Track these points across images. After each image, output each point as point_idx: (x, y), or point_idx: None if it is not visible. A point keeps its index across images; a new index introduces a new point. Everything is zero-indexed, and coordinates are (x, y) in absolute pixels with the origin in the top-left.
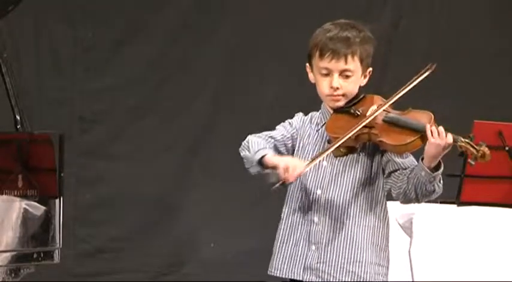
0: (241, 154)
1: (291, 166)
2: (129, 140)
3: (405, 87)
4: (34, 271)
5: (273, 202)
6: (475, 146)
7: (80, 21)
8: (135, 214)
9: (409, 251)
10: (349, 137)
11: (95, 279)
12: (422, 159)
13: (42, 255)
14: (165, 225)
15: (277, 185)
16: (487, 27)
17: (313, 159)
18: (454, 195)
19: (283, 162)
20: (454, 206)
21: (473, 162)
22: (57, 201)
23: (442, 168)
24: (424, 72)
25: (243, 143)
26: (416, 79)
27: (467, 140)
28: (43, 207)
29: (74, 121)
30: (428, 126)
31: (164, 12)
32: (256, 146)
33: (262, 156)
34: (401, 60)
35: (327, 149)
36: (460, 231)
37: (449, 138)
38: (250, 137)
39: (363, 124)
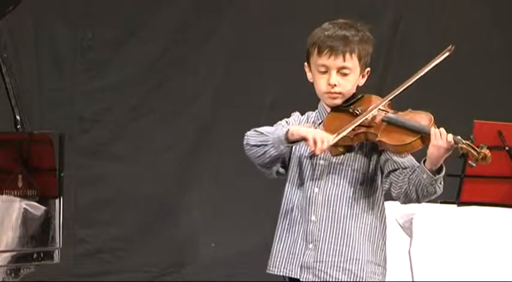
0: (252, 142)
1: (320, 138)
2: (129, 140)
3: (421, 72)
4: (34, 271)
5: (273, 202)
6: (476, 148)
7: (80, 21)
8: (135, 214)
9: (409, 251)
10: (347, 136)
11: (95, 279)
12: (424, 161)
13: (42, 255)
14: (165, 225)
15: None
16: (487, 27)
17: (338, 133)
18: (454, 195)
19: (312, 134)
20: (454, 206)
21: (474, 164)
22: (57, 201)
23: (443, 171)
24: (442, 56)
25: (248, 135)
26: (432, 62)
27: (468, 142)
28: (43, 207)
29: (74, 121)
30: (433, 129)
31: (164, 12)
32: (268, 129)
33: (287, 131)
34: (402, 61)
35: (352, 124)
36: (460, 231)
37: (451, 140)
38: (252, 130)
39: (364, 117)
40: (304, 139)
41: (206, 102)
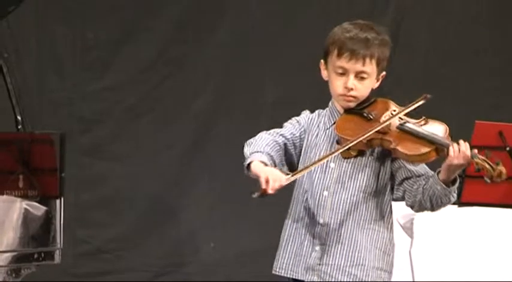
0: (244, 149)
1: (272, 179)
2: (129, 140)
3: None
4: (35, 271)
5: (273, 202)
6: (492, 165)
7: (80, 21)
8: (135, 214)
9: (410, 252)
10: (360, 141)
11: (95, 279)
12: (438, 172)
13: (42, 255)
14: (165, 225)
15: (256, 195)
16: (487, 27)
17: (299, 171)
18: None
19: (265, 174)
20: (455, 206)
21: (488, 181)
22: (58, 201)
23: (458, 182)
24: (417, 103)
25: (252, 139)
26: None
27: (484, 158)
28: (44, 208)
29: (74, 121)
30: (451, 147)
31: (164, 12)
32: (257, 146)
33: (250, 163)
34: (403, 60)
35: (322, 158)
36: (460, 231)
37: (469, 155)
38: (261, 133)
39: (375, 130)
40: (257, 177)
41: (206, 101)
